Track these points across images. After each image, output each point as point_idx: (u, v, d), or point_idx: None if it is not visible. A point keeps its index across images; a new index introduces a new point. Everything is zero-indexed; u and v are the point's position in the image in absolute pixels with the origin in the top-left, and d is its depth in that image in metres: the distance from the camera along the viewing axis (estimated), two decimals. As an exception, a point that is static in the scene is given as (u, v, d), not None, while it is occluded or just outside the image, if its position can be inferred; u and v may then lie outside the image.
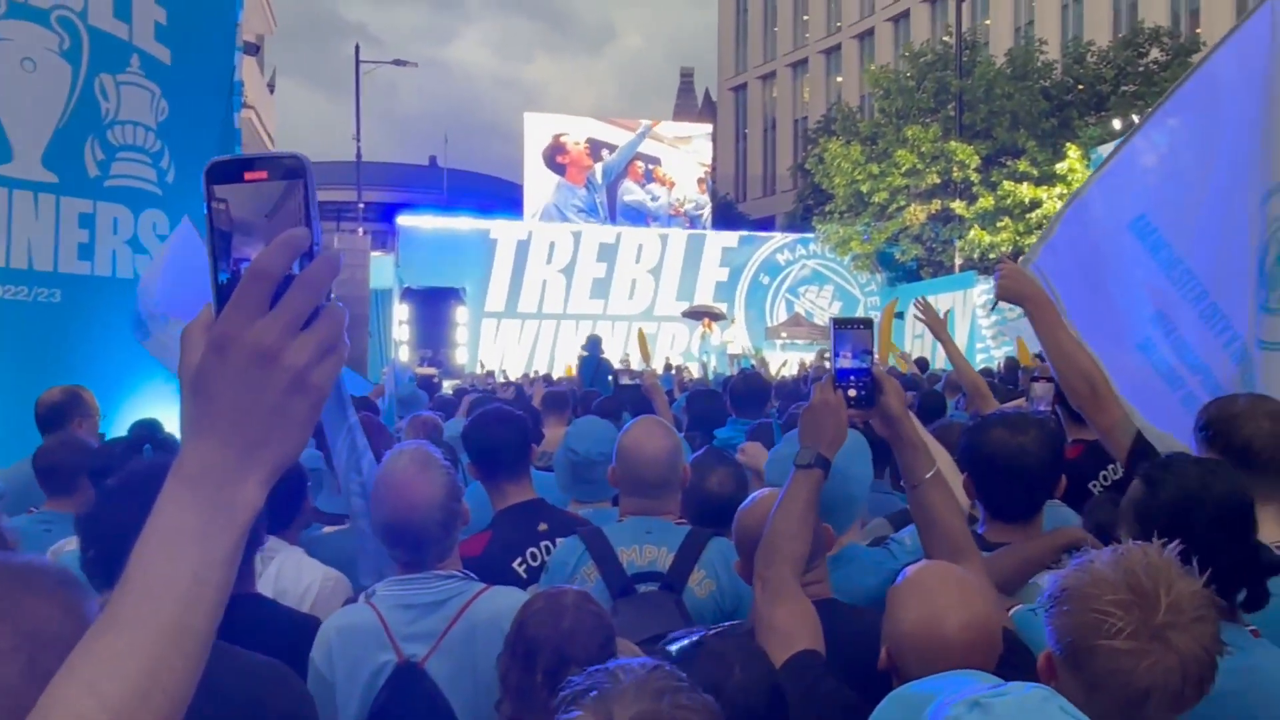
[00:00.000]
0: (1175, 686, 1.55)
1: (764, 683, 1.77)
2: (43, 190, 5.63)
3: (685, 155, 29.96)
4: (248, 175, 0.83)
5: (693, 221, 29.04)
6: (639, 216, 28.69)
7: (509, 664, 1.99)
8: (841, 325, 2.26)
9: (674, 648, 1.85)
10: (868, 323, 2.31)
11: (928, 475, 2.24)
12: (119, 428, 4.87)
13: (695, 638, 1.90)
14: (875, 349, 2.27)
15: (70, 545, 3.03)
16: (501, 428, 3.36)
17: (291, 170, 0.83)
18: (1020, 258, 3.51)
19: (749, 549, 2.31)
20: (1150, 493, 2.09)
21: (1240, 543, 1.99)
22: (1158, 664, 1.54)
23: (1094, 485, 3.61)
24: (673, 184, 29.59)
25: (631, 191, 29.14)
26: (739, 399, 5.42)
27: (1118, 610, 1.56)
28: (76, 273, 5.82)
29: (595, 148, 29.02)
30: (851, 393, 2.23)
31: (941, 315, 5.71)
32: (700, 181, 29.98)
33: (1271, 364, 3.20)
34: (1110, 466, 3.63)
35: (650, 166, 29.62)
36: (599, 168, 28.83)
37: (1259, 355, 3.24)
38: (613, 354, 18.73)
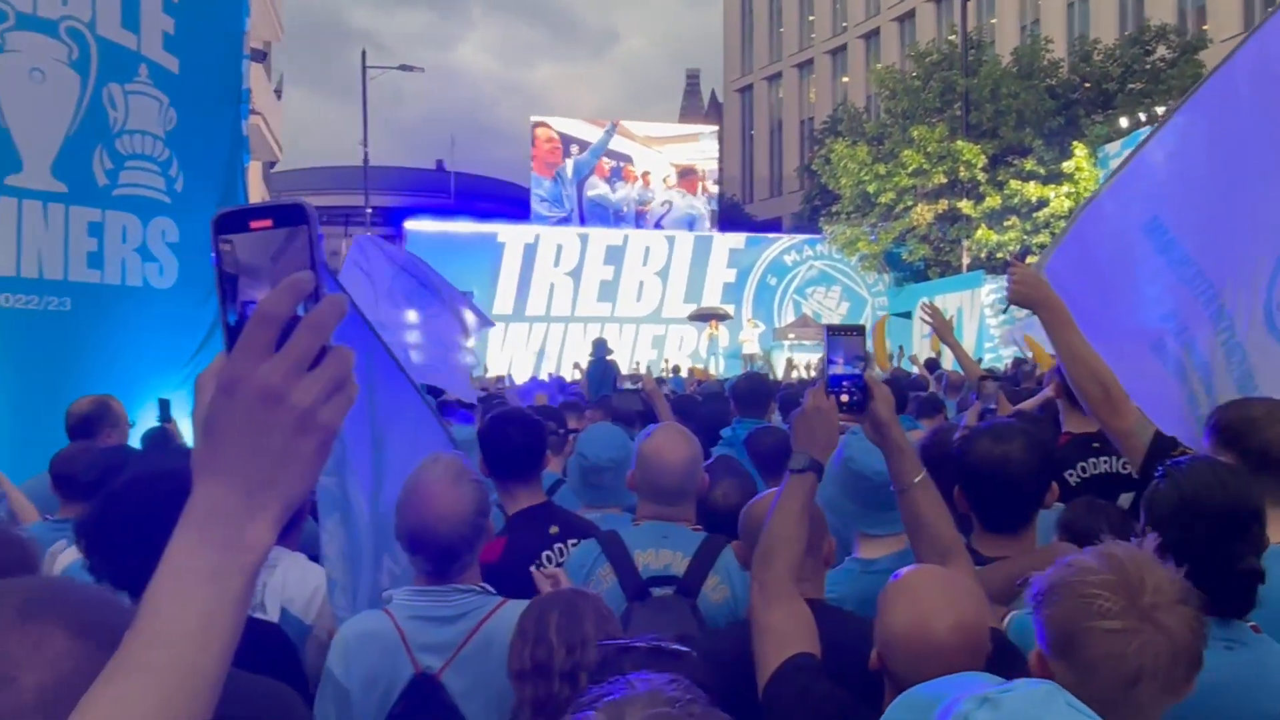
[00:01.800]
0: (1166, 666, 1.57)
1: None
2: (52, 200, 5.66)
3: (654, 155, 30.21)
4: (253, 224, 0.86)
5: (690, 224, 29.14)
6: (604, 213, 28.89)
7: (520, 655, 2.02)
8: (835, 332, 2.31)
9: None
10: (860, 330, 2.35)
11: (915, 480, 2.27)
12: (131, 436, 4.90)
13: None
14: (868, 356, 2.29)
15: (69, 551, 3.05)
16: (516, 430, 3.35)
17: (295, 217, 0.86)
18: (1031, 260, 3.52)
19: (751, 539, 2.36)
20: (1161, 490, 2.13)
21: (1239, 548, 2.01)
22: (1148, 644, 1.57)
23: (1070, 475, 3.60)
24: (639, 179, 29.74)
25: (595, 186, 29.46)
26: (742, 399, 5.40)
27: (1105, 591, 1.60)
28: (86, 281, 5.85)
29: (565, 142, 29.30)
30: (844, 398, 2.26)
31: (949, 316, 5.71)
32: (665, 180, 29.99)
33: None
34: (1090, 460, 3.63)
35: (621, 164, 29.84)
36: (570, 164, 29.11)
37: None
38: (622, 357, 18.73)
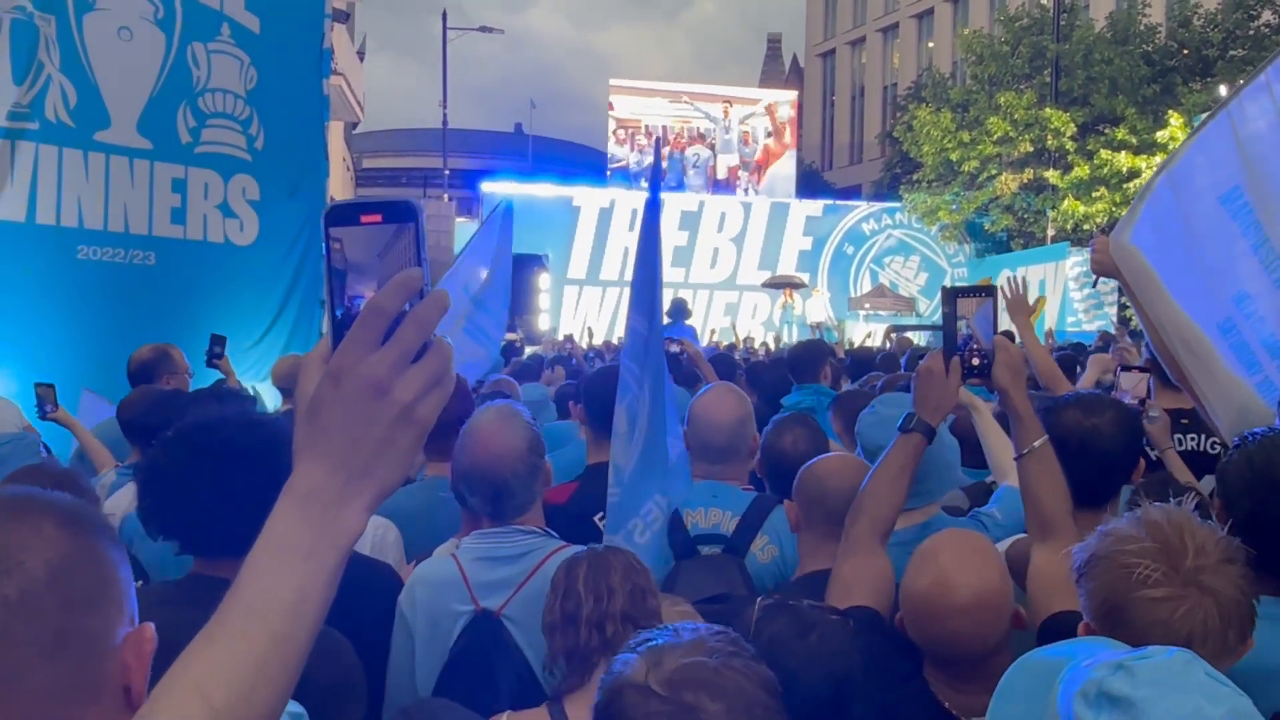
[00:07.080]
0: (1216, 630, 1.54)
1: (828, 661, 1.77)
2: (138, 156, 5.81)
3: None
4: (364, 218, 0.89)
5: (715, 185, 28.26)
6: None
7: (550, 609, 2.04)
8: (962, 294, 2.29)
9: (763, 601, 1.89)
10: (990, 290, 2.31)
11: (1035, 444, 2.25)
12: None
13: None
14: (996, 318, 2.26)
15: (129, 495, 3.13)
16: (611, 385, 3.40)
17: (404, 214, 0.89)
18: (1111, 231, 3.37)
19: (802, 501, 2.43)
20: (1233, 463, 2.07)
21: None
22: (1195, 608, 1.53)
23: (1154, 451, 3.49)
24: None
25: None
26: (796, 366, 5.35)
27: (1146, 559, 1.56)
28: (170, 236, 6.01)
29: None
30: (974, 361, 2.25)
31: (1033, 287, 5.35)
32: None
33: None
34: (1176, 436, 3.52)
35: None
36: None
37: None
38: (695, 322, 18.66)
